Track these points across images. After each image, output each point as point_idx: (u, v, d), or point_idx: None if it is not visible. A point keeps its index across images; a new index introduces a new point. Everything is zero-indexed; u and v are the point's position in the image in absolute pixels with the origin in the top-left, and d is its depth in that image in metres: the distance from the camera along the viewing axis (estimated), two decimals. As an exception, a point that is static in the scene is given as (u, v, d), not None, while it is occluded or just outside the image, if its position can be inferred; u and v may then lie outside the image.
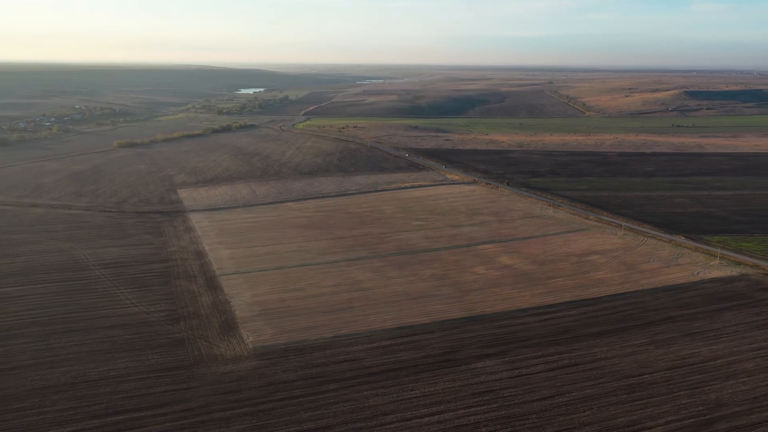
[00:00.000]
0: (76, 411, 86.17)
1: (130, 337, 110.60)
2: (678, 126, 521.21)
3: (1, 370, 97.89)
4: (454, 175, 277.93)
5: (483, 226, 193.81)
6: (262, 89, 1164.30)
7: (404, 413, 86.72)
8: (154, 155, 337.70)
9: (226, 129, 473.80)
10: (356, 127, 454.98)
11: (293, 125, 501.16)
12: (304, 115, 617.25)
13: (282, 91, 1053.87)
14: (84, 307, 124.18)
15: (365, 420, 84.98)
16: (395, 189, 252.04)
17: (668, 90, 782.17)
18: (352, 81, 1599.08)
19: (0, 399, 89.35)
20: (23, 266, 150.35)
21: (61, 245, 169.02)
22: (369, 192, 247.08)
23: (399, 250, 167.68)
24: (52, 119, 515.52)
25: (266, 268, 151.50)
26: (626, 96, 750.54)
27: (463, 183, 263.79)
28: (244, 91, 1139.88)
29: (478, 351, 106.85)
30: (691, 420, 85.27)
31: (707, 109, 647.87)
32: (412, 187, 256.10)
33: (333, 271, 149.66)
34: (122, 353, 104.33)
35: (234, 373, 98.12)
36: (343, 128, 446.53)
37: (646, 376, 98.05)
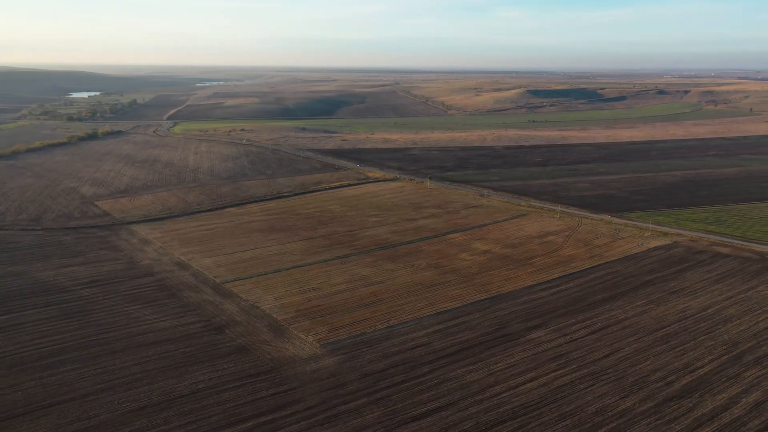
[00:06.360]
0: (197, 425, 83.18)
1: (187, 350, 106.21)
2: (534, 121, 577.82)
3: (72, 399, 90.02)
4: (374, 173, 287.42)
5: (436, 218, 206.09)
6: (98, 93, 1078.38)
7: (507, 383, 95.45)
8: (31, 167, 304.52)
9: (93, 136, 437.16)
10: (243, 130, 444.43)
11: (167, 130, 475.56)
12: (168, 119, 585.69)
13: (123, 95, 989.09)
14: (106, 328, 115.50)
15: (479, 393, 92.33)
16: (327, 189, 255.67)
17: (512, 89, 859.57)
18: (191, 83, 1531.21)
19: (99, 427, 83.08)
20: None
21: (11, 269, 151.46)
22: (304, 193, 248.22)
23: (378, 245, 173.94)
24: None
25: (265, 272, 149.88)
26: (477, 95, 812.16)
27: (388, 180, 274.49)
28: (76, 95, 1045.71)
29: (524, 325, 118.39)
30: (726, 356, 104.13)
31: (550, 106, 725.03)
32: (342, 186, 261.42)
33: (333, 270, 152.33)
34: (193, 366, 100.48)
35: (324, 370, 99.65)
36: (230, 131, 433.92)
37: (667, 328, 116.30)
